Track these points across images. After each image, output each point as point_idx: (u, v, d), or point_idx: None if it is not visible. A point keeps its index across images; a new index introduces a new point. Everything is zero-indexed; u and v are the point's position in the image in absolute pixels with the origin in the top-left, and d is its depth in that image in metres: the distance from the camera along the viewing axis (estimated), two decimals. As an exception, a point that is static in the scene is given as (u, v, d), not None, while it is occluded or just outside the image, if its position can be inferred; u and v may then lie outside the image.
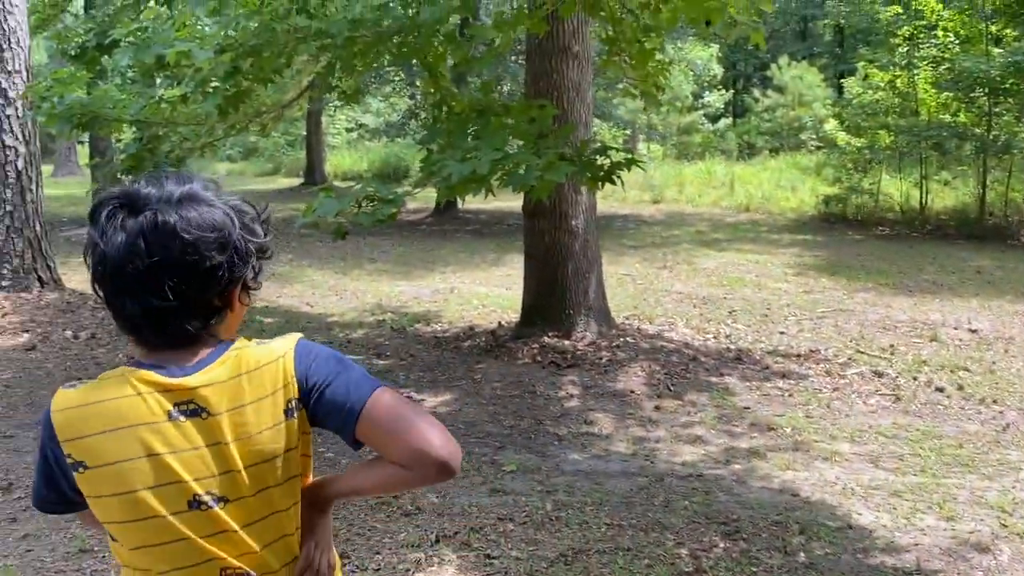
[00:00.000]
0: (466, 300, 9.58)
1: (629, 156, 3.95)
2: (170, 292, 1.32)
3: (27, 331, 7.46)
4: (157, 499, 1.33)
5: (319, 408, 1.42)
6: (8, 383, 6.24)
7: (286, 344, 1.45)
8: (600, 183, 4.00)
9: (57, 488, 1.40)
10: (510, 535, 3.86)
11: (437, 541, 3.78)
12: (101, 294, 1.38)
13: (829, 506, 4.21)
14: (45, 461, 1.40)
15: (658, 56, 5.26)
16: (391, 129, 33.25)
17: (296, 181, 28.66)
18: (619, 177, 4.00)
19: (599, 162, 3.99)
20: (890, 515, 4.10)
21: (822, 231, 16.10)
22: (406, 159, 28.15)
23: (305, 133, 29.03)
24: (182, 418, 1.34)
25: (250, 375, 1.39)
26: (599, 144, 4.10)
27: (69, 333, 7.47)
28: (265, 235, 1.44)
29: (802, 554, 3.70)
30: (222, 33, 4.15)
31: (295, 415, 1.41)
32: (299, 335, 1.48)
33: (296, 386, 1.41)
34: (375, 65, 4.61)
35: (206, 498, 1.35)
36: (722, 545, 3.77)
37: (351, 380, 1.42)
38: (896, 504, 4.22)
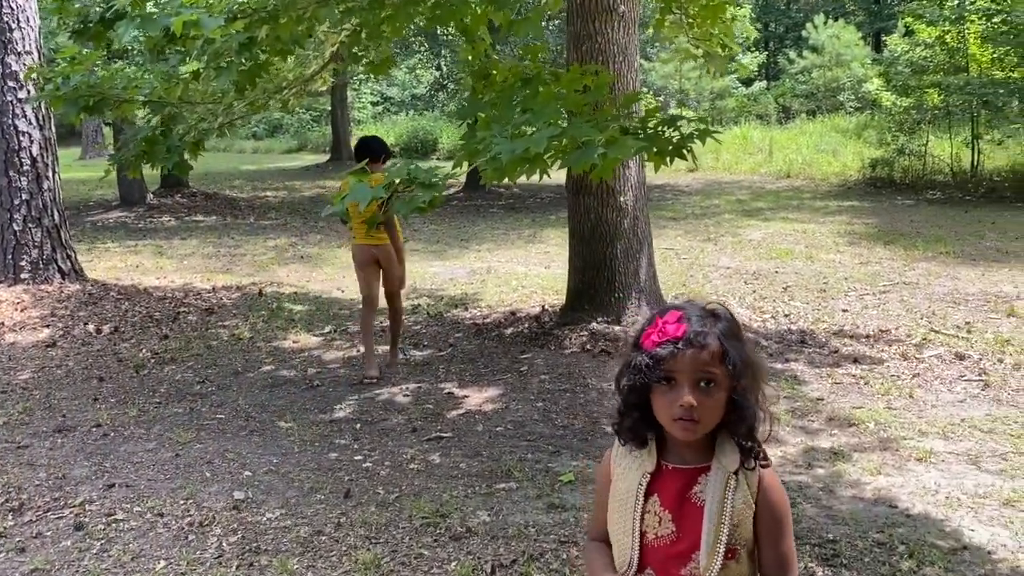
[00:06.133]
0: (504, 281, 9.11)
1: (703, 127, 3.43)
2: (372, 152, 5.52)
3: (48, 326, 7.11)
4: None
5: None
6: (25, 385, 5.88)
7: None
8: (669, 159, 3.49)
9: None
10: (576, 564, 3.40)
11: (492, 573, 3.33)
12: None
13: (935, 521, 3.70)
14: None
15: (729, 13, 4.70)
16: (417, 102, 32.71)
17: (323, 157, 28.28)
18: (691, 151, 3.49)
19: (667, 135, 3.48)
20: (1008, 531, 3.59)
21: (869, 196, 15.41)
22: (433, 132, 27.64)
23: (330, 108, 28.56)
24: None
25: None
26: (667, 114, 3.57)
27: (91, 327, 7.11)
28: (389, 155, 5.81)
29: (915, 583, 3.21)
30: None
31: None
32: None
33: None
34: (404, 32, 4.10)
35: None
36: (820, 572, 3.29)
37: None
38: (1012, 517, 3.71)
